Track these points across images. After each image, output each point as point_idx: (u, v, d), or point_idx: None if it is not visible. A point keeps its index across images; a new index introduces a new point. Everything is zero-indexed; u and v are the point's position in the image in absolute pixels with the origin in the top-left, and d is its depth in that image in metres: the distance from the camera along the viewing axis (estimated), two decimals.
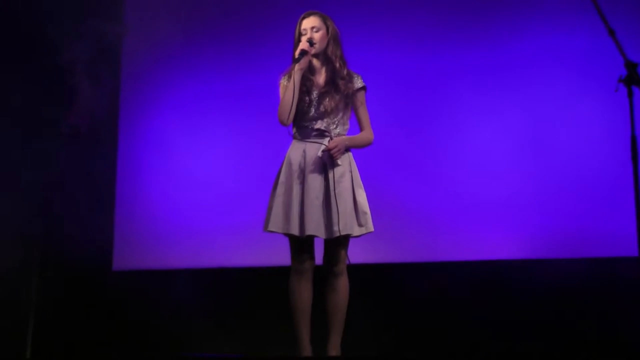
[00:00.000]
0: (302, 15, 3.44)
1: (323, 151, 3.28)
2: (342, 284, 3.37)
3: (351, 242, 3.39)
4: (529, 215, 4.45)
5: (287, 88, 3.33)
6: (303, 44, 3.33)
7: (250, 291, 4.78)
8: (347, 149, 3.39)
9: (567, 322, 4.22)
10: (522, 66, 4.60)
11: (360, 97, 3.43)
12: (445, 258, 4.53)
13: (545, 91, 4.54)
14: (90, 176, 5.25)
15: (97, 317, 5.08)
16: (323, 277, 3.40)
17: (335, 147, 3.26)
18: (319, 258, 3.45)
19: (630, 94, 2.73)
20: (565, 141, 4.46)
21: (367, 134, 3.44)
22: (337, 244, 3.32)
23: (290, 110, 3.30)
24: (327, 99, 3.34)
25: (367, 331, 4.31)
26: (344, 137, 3.36)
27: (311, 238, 3.32)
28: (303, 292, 3.35)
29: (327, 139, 3.33)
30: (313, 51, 3.35)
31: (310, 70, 3.40)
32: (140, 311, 4.95)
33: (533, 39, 4.58)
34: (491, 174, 4.58)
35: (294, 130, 3.43)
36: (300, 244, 3.33)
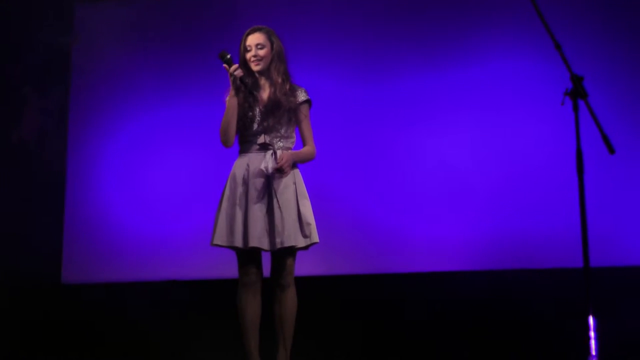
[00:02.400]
0: (247, 31, 3.43)
1: (274, 168, 3.27)
2: (290, 296, 3.36)
3: (298, 253, 3.38)
4: (477, 227, 4.52)
5: (226, 110, 3.34)
6: (238, 71, 3.28)
7: (201, 304, 4.73)
8: (294, 165, 3.39)
9: (513, 333, 4.28)
10: (472, 85, 4.69)
11: (304, 110, 3.44)
12: (394, 270, 4.57)
13: (494, 110, 4.64)
14: (38, 189, 5.15)
15: (45, 331, 4.96)
16: (270, 290, 3.38)
17: (285, 162, 3.26)
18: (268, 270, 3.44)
19: (575, 107, 2.76)
20: (513, 155, 4.56)
21: (310, 149, 3.45)
22: (283, 255, 3.32)
23: (230, 133, 3.34)
24: (270, 115, 3.35)
25: (315, 344, 4.29)
26: (290, 151, 3.36)
27: (257, 251, 3.31)
28: (251, 305, 3.33)
29: (270, 152, 3.33)
30: (259, 68, 3.36)
31: (255, 87, 3.40)
32: (90, 325, 4.85)
33: (483, 61, 4.68)
34: (440, 187, 4.65)
35: (239, 145, 3.44)
36: (247, 257, 3.32)
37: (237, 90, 3.33)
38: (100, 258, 5.08)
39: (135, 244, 5.05)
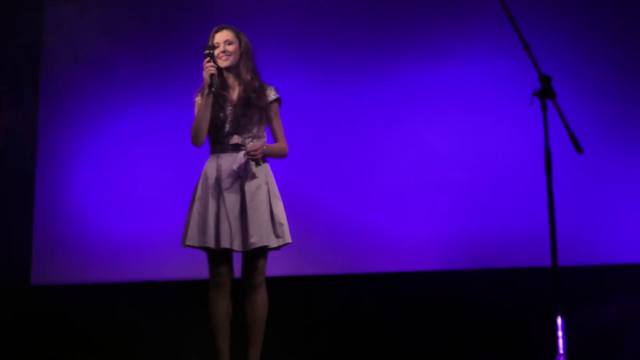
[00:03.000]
0: (214, 29, 3.42)
1: (245, 155, 3.25)
2: (261, 297, 3.36)
3: (270, 254, 3.37)
4: (448, 227, 4.55)
5: (199, 110, 3.32)
6: (211, 69, 3.27)
7: (173, 305, 4.70)
8: (264, 159, 3.37)
9: (482, 332, 4.31)
10: (445, 87, 4.73)
11: (274, 108, 3.43)
12: (365, 270, 4.58)
13: (466, 111, 4.67)
14: (7, 189, 5.09)
15: (15, 333, 4.90)
16: (242, 290, 3.37)
17: (255, 149, 3.24)
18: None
19: (544, 107, 2.78)
20: (484, 155, 4.60)
21: (282, 145, 3.44)
22: (255, 256, 3.31)
23: (202, 133, 3.32)
24: (241, 114, 3.33)
25: (286, 344, 4.29)
26: (261, 142, 3.34)
27: (228, 251, 3.30)
28: (221, 305, 3.32)
29: (243, 152, 3.30)
30: (225, 64, 3.34)
31: (223, 86, 3.39)
32: (59, 327, 4.80)
33: (455, 62, 4.72)
34: (411, 187, 4.67)
35: (211, 145, 3.41)
36: (218, 258, 3.31)
37: (209, 89, 3.30)
38: (70, 259, 5.03)
39: (105, 245, 5.01)
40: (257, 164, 3.29)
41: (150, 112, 5.10)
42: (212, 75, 3.27)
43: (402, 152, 4.73)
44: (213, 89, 3.28)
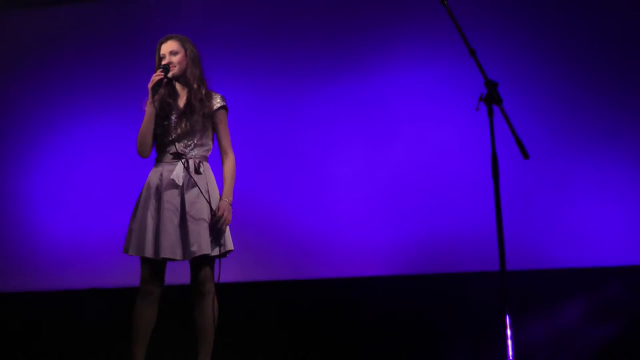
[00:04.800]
0: (160, 41, 3.39)
1: (215, 223, 3.24)
2: (209, 304, 3.31)
3: (219, 261, 3.34)
4: (395, 233, 4.56)
5: (143, 119, 3.30)
6: (158, 74, 3.26)
7: (119, 312, 4.63)
8: (230, 203, 3.32)
9: (432, 337, 4.34)
10: (392, 91, 4.75)
11: (220, 116, 3.40)
12: (317, 275, 4.59)
13: (413, 116, 4.70)
14: None
15: None
16: (190, 298, 3.33)
17: (222, 216, 3.25)
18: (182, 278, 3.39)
19: (490, 113, 2.80)
20: (432, 160, 4.63)
21: (228, 167, 3.39)
22: (200, 264, 3.28)
23: (146, 142, 3.30)
24: (184, 121, 3.31)
25: (236, 351, 4.26)
26: (225, 200, 3.30)
27: (164, 261, 3.28)
28: (146, 314, 3.27)
29: (182, 161, 3.27)
30: (171, 75, 3.31)
31: (170, 94, 3.36)
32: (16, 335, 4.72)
33: (403, 66, 4.74)
34: (359, 192, 4.68)
35: (156, 153, 3.39)
36: (151, 267, 3.28)
37: (155, 95, 3.27)
38: (24, 266, 4.95)
39: (52, 251, 4.94)
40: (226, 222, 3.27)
41: (107, 118, 5.03)
42: (158, 82, 3.25)
43: (354, 157, 4.72)
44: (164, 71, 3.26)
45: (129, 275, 4.46)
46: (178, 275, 3.67)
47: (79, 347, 4.64)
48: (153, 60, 3.40)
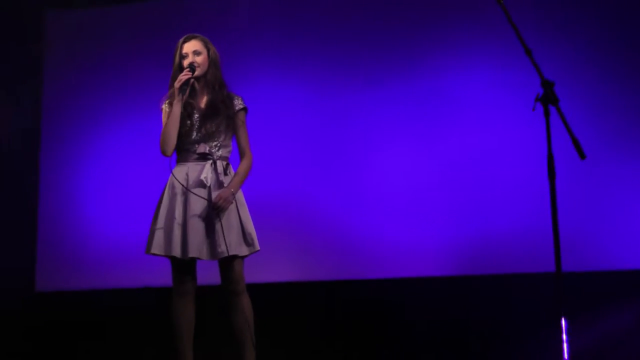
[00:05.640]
0: (182, 39, 3.41)
1: (213, 209, 3.24)
2: (245, 302, 3.34)
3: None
4: (448, 234, 4.54)
5: (169, 118, 3.31)
6: (185, 74, 3.28)
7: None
8: (234, 193, 3.31)
9: (486, 338, 4.29)
10: (445, 92, 4.73)
11: (241, 117, 3.44)
12: (354, 276, 4.59)
13: (468, 116, 4.65)
14: (10, 196, 5.11)
15: (19, 340, 4.91)
16: (224, 298, 3.36)
17: (220, 200, 3.23)
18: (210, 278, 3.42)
19: (546, 113, 2.77)
20: (486, 161, 4.58)
21: (245, 163, 3.41)
22: (230, 264, 3.29)
23: (171, 141, 3.30)
24: (208, 122, 3.33)
25: (276, 350, 4.29)
26: (229, 187, 3.30)
27: (193, 260, 3.30)
28: (185, 314, 3.32)
29: (210, 161, 3.30)
30: (196, 73, 3.33)
31: (191, 94, 3.38)
32: (64, 334, 4.81)
33: (454, 68, 4.71)
34: (410, 193, 4.66)
35: (177, 153, 3.40)
36: (182, 266, 3.31)
37: (182, 94, 3.26)
38: (74, 265, 5.04)
39: (110, 250, 5.02)
40: (222, 209, 3.24)
41: (155, 117, 5.07)
42: (188, 80, 3.28)
43: (404, 157, 4.71)
44: (188, 86, 3.27)
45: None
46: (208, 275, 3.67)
47: (131, 346, 4.71)
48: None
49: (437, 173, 4.65)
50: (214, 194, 3.26)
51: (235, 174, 3.38)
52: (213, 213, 3.23)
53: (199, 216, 3.25)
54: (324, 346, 4.49)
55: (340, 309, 4.58)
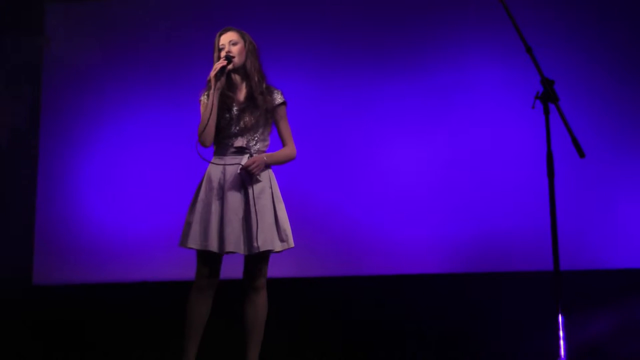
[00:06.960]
0: (219, 32, 3.38)
1: (241, 169, 3.23)
2: (263, 299, 3.34)
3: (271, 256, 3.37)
4: (448, 231, 4.54)
5: (206, 108, 3.26)
6: (220, 62, 3.25)
7: (172, 304, 4.71)
8: (267, 166, 3.34)
9: (482, 335, 4.30)
10: (447, 90, 4.73)
11: (281, 112, 3.40)
12: (366, 272, 4.58)
13: (468, 114, 4.66)
14: (8, 190, 5.11)
15: (17, 333, 4.90)
16: (243, 292, 3.35)
17: (253, 163, 3.22)
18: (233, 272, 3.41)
19: (546, 111, 2.78)
20: (485, 158, 4.59)
21: (288, 150, 3.41)
22: (258, 259, 3.29)
23: (209, 131, 3.25)
24: (247, 115, 3.29)
25: (285, 346, 4.30)
26: (262, 154, 3.31)
27: (220, 256, 3.27)
28: (201, 308, 3.29)
29: (247, 155, 3.28)
30: (231, 66, 3.29)
31: (229, 87, 3.34)
32: (61, 326, 4.81)
33: (455, 65, 4.72)
34: (413, 191, 4.67)
35: (214, 146, 3.37)
36: (210, 261, 3.28)
37: (217, 82, 3.22)
38: (71, 259, 5.03)
39: (107, 244, 5.01)
40: (251, 175, 3.24)
41: (152, 112, 5.10)
42: (223, 68, 3.23)
43: (404, 155, 4.72)
44: (224, 72, 3.22)
45: (183, 268, 4.56)
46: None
47: (129, 340, 4.71)
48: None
49: (437, 171, 4.67)
50: (251, 188, 3.23)
51: (276, 152, 3.36)
52: (252, 207, 3.19)
53: (236, 211, 3.21)
54: (324, 342, 4.49)
55: (340, 306, 4.58)
